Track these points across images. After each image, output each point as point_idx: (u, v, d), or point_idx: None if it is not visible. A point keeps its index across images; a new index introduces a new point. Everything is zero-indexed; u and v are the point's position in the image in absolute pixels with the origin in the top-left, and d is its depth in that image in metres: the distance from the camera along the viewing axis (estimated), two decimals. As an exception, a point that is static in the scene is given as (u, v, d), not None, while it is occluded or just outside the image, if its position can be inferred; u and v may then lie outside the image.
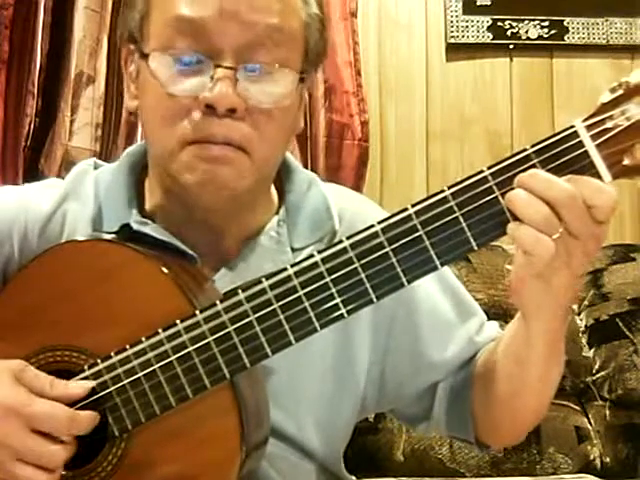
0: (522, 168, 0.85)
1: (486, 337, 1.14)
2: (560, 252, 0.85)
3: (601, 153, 0.84)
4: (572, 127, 0.85)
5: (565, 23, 2.59)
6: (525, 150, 0.85)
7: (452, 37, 2.59)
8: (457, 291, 1.17)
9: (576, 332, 2.21)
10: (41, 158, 2.33)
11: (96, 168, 1.14)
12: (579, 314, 2.25)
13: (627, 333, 2.18)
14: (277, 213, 1.10)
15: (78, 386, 0.94)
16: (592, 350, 2.21)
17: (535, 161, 0.85)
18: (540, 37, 2.59)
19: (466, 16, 2.57)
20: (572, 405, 2.16)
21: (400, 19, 2.61)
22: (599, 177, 0.84)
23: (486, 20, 2.58)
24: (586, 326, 2.23)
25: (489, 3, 2.58)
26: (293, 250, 1.08)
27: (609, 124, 0.84)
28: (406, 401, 1.16)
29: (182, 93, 0.97)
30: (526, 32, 2.58)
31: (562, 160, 0.84)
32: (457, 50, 2.61)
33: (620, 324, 2.20)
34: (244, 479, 0.96)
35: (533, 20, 2.58)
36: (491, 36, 2.59)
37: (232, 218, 1.06)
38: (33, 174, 2.29)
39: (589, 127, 0.84)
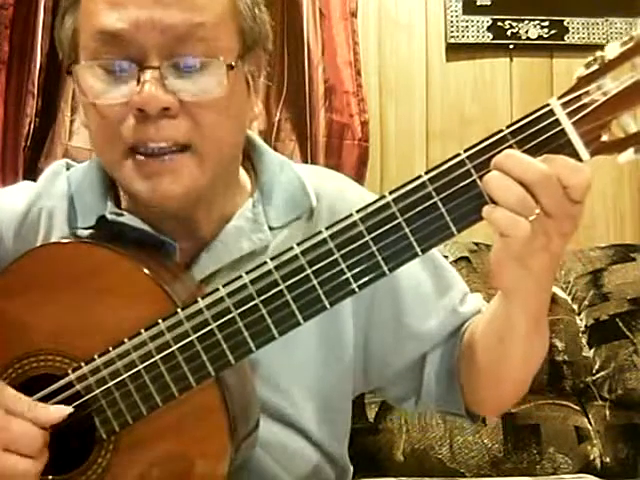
0: (498, 149, 0.83)
1: (471, 308, 1.14)
2: (537, 233, 0.84)
3: (578, 130, 0.82)
4: (547, 105, 0.83)
5: (565, 23, 2.59)
6: (501, 131, 0.84)
7: (452, 37, 2.58)
8: (438, 264, 1.16)
9: (576, 332, 2.20)
10: (41, 158, 2.33)
11: (68, 169, 1.14)
12: (579, 314, 2.24)
13: (627, 333, 2.17)
14: (252, 196, 1.10)
15: (56, 410, 0.93)
16: (592, 350, 2.20)
17: (511, 142, 0.83)
18: (540, 37, 2.58)
19: (466, 16, 2.57)
20: (572, 405, 2.15)
21: (400, 19, 2.60)
22: (577, 155, 0.82)
23: (486, 20, 2.58)
24: (586, 326, 2.22)
25: (489, 3, 2.57)
26: (271, 229, 1.07)
27: (585, 100, 0.82)
28: (394, 377, 1.15)
29: (112, 101, 0.96)
30: (526, 32, 2.58)
31: (539, 140, 0.83)
32: (457, 50, 2.60)
33: (620, 324, 2.19)
34: (238, 469, 0.96)
35: (533, 20, 2.58)
36: (491, 36, 2.58)
37: (202, 208, 1.04)
38: (33, 174, 2.28)
39: (565, 104, 0.82)
